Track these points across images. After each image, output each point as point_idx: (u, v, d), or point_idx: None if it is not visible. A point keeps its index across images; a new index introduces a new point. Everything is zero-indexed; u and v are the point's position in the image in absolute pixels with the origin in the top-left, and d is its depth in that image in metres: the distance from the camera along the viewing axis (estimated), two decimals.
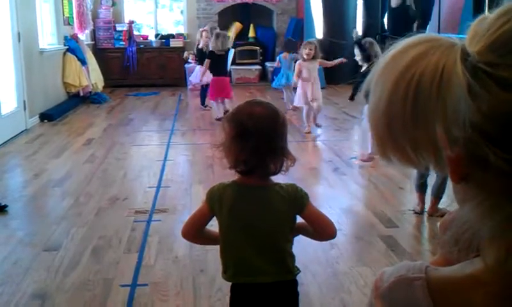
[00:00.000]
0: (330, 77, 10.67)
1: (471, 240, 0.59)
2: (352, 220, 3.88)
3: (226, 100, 7.57)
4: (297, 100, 6.73)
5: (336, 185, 4.75)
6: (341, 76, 10.44)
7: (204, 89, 8.58)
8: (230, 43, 8.71)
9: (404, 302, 0.60)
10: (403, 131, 0.53)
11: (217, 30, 8.17)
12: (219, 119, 7.39)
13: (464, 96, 0.50)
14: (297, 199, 1.66)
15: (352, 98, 5.76)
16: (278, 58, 8.45)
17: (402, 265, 0.63)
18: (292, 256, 1.71)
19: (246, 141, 1.54)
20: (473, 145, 0.51)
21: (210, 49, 7.49)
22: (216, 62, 7.46)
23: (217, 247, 1.75)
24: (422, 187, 3.85)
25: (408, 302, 0.59)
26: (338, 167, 5.19)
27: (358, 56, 5.39)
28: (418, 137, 0.53)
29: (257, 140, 1.54)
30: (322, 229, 1.73)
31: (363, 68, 5.30)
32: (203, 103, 8.59)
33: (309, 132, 6.64)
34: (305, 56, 6.48)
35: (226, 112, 7.40)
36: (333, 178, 4.91)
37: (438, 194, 3.72)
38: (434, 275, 0.59)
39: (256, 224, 1.62)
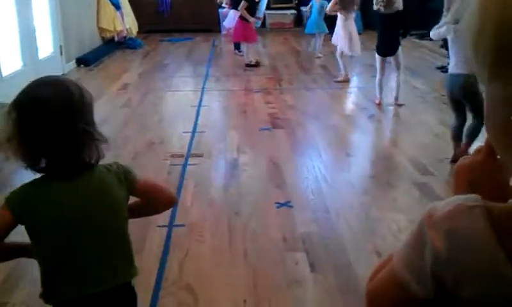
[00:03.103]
0: (368, 22, 10.41)
1: None
2: (386, 167, 3.86)
3: (250, 46, 7.48)
4: (341, 43, 6.50)
5: (371, 132, 4.72)
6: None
7: None
8: None
9: (462, 230, 0.60)
10: None
11: None
12: (248, 65, 7.33)
13: None
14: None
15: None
16: (310, 3, 8.27)
17: (455, 197, 0.63)
18: None
19: (37, 132, 1.22)
20: None
21: None
22: (251, 6, 7.36)
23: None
24: (458, 136, 3.82)
25: (467, 229, 0.59)
26: (373, 114, 5.13)
27: None
28: None
29: (50, 130, 1.21)
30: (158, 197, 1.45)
31: None
32: (237, 47, 8.53)
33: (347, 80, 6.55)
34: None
35: (250, 63, 7.33)
36: (368, 124, 4.87)
37: (472, 136, 3.72)
38: (493, 205, 0.59)
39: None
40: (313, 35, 8.34)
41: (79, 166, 1.27)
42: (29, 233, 1.28)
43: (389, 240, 2.78)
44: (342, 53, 6.45)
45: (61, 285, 1.30)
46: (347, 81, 6.48)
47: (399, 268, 0.77)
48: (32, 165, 1.25)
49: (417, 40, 9.23)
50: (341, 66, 6.52)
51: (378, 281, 0.87)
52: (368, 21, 10.35)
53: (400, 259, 0.81)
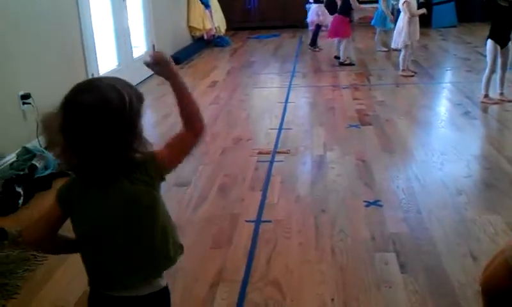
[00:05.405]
0: (463, 14, 9.97)
1: None
2: (482, 166, 3.67)
3: (345, 42, 7.31)
4: (402, 40, 6.31)
5: (466, 129, 4.49)
6: (474, 13, 9.71)
7: (318, 30, 8.50)
8: None
9: None
10: None
11: None
12: (342, 64, 7.22)
13: None
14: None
15: None
16: None
17: None
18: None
19: (74, 138, 1.20)
20: None
21: None
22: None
23: None
24: None
25: None
26: (468, 111, 4.89)
27: None
28: None
29: (85, 136, 1.20)
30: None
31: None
32: (313, 44, 8.51)
33: (412, 75, 6.35)
34: None
35: (344, 62, 7.22)
36: (463, 122, 4.64)
37: None
38: None
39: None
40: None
41: (112, 175, 1.25)
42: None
43: (485, 243, 2.63)
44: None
45: (90, 280, 1.35)
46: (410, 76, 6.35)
47: (509, 257, 0.73)
48: (71, 169, 1.27)
49: None
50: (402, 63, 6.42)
51: (491, 270, 0.84)
52: (463, 13, 9.93)
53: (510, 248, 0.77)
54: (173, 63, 1.40)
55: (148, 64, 1.41)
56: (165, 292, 1.38)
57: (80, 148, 1.20)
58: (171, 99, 1.40)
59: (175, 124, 5.05)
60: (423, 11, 6.37)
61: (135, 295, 1.31)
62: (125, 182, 1.25)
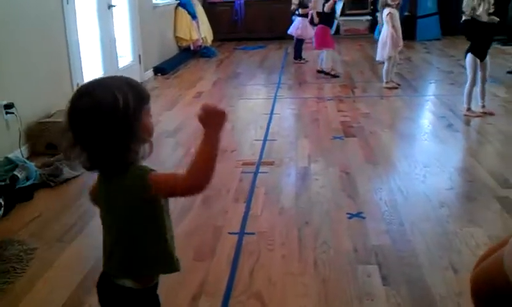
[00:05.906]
0: (447, 28, 10.10)
1: None
2: (465, 179, 3.70)
3: (330, 53, 7.38)
4: (387, 52, 6.40)
5: (449, 142, 4.53)
6: (458, 27, 9.81)
7: (300, 43, 8.56)
8: None
9: None
10: None
11: None
12: (328, 74, 7.28)
13: None
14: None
15: None
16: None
17: None
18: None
19: (74, 135, 1.31)
20: None
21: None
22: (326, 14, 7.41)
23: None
24: None
25: None
26: (451, 124, 4.94)
27: None
28: None
29: (82, 137, 1.30)
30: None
31: None
32: (296, 57, 8.57)
33: (396, 87, 6.44)
34: (395, 2, 6.32)
35: (330, 72, 7.28)
36: (446, 134, 4.69)
37: None
38: None
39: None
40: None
41: (112, 170, 1.36)
42: None
43: (466, 256, 2.65)
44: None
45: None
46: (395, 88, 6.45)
47: (507, 261, 0.73)
48: (81, 164, 1.37)
49: (499, 46, 8.83)
50: (385, 75, 6.51)
51: (484, 268, 0.84)
52: (447, 27, 10.06)
53: (510, 253, 0.77)
54: (224, 119, 1.39)
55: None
56: (143, 292, 1.46)
57: (83, 145, 1.31)
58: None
59: (161, 134, 5.00)
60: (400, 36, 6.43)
61: (128, 287, 1.41)
62: (126, 179, 1.35)
